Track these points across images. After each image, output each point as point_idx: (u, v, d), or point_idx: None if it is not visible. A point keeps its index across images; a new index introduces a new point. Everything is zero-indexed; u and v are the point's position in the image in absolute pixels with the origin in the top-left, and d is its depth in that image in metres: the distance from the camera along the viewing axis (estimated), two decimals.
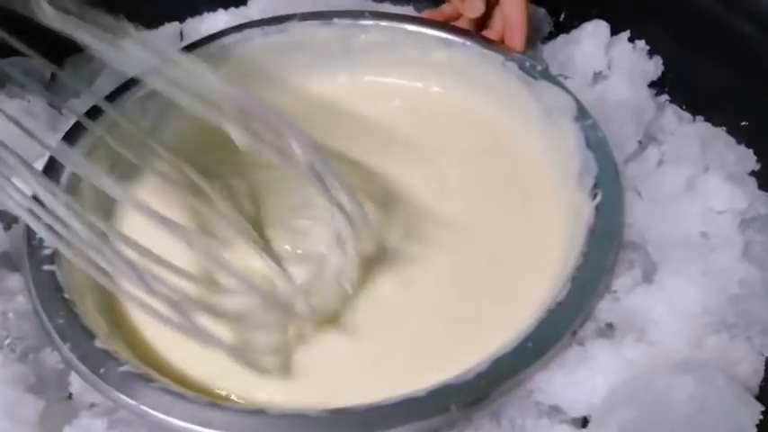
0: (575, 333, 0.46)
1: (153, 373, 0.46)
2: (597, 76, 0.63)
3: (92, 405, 0.47)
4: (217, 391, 0.47)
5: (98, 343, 0.46)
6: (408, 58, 0.63)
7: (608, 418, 0.42)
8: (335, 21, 0.63)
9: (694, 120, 0.60)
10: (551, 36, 0.66)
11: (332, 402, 0.44)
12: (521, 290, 0.51)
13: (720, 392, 0.40)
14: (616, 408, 0.42)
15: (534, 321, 0.46)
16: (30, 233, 0.51)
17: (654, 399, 0.41)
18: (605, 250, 0.49)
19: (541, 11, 0.67)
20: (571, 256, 0.49)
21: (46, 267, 0.49)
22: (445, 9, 0.65)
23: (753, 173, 0.55)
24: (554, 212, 0.54)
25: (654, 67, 0.62)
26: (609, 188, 0.51)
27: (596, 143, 0.54)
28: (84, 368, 0.45)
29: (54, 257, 0.50)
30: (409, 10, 0.69)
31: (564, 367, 0.45)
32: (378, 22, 0.63)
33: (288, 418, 0.42)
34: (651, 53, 0.62)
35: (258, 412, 0.43)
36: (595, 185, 0.52)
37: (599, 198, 0.51)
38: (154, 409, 0.43)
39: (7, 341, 0.48)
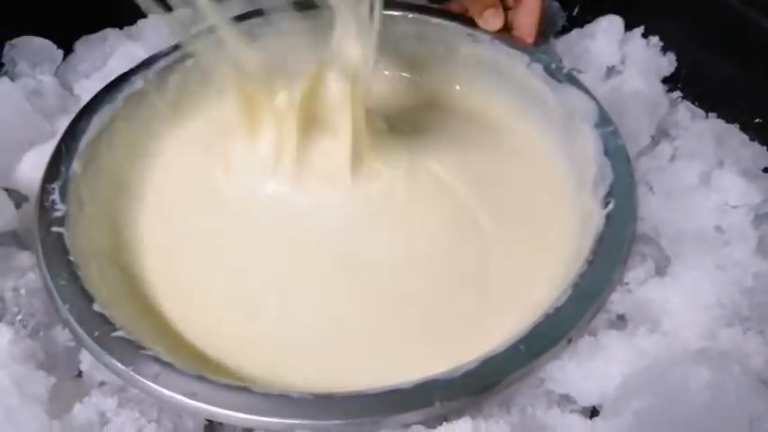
0: (570, 340, 0.45)
1: (145, 340, 0.46)
2: (611, 71, 0.63)
3: (101, 383, 0.46)
4: (213, 364, 0.48)
5: (96, 307, 0.46)
6: (434, 52, 0.63)
7: (623, 406, 0.42)
8: None
9: (707, 116, 0.60)
10: (565, 30, 0.66)
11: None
12: (522, 290, 0.51)
13: (737, 382, 0.41)
14: (631, 396, 0.42)
15: (530, 325, 0.45)
16: (42, 195, 0.51)
17: (670, 387, 0.41)
18: (611, 259, 0.48)
19: (555, 5, 0.67)
20: (576, 263, 0.48)
21: (55, 229, 0.50)
22: (453, 7, 0.64)
23: (766, 170, 0.56)
24: (565, 216, 0.54)
25: (667, 63, 0.62)
26: (622, 197, 0.51)
27: (614, 150, 0.53)
28: (79, 330, 0.45)
29: (63, 220, 0.50)
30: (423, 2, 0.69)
31: (576, 357, 0.45)
32: (406, 13, 0.62)
33: (270, 398, 0.43)
34: (665, 49, 0.63)
35: (242, 389, 0.43)
36: (609, 193, 0.51)
37: (611, 206, 0.50)
38: (141, 375, 0.43)
39: (19, 317, 0.48)
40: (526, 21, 0.60)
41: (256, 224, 0.55)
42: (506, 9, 0.61)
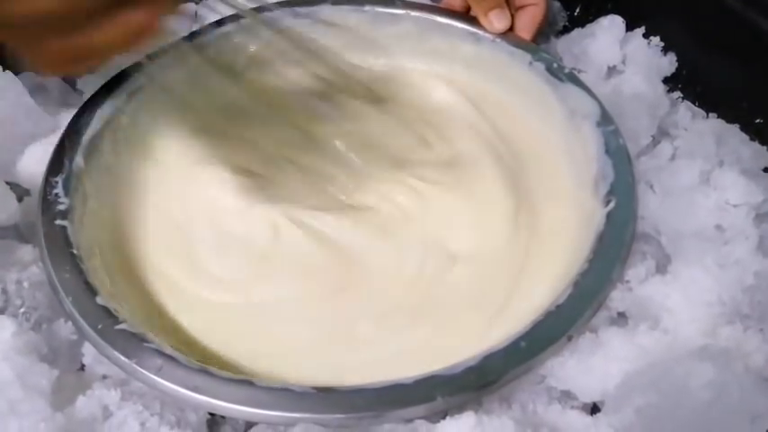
0: (570, 338, 0.46)
1: (148, 333, 0.46)
2: (611, 71, 0.63)
3: (104, 377, 0.46)
4: (217, 358, 0.48)
5: (99, 300, 0.46)
6: (435, 50, 0.63)
7: (624, 403, 0.42)
8: (367, 7, 0.63)
9: (707, 116, 0.60)
10: (566, 30, 0.66)
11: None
12: (523, 289, 0.51)
13: (739, 380, 0.41)
14: (633, 393, 0.42)
15: (531, 322, 0.45)
16: (46, 188, 0.51)
17: (672, 385, 0.41)
18: (612, 258, 0.48)
19: (556, 4, 0.67)
20: (577, 261, 0.48)
21: (58, 222, 0.50)
22: (455, 1, 0.64)
23: (766, 169, 0.56)
24: (566, 215, 0.54)
25: (668, 64, 0.62)
26: (623, 196, 0.51)
27: (616, 150, 0.53)
28: (83, 322, 0.45)
29: (67, 213, 0.50)
30: (425, 1, 0.69)
31: (577, 354, 0.46)
32: (408, 11, 0.62)
33: (273, 391, 0.43)
34: (666, 49, 0.63)
35: (245, 382, 0.43)
36: (610, 192, 0.51)
37: (612, 205, 0.50)
38: (144, 368, 0.43)
39: (22, 310, 0.48)
40: (527, 26, 0.60)
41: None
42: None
